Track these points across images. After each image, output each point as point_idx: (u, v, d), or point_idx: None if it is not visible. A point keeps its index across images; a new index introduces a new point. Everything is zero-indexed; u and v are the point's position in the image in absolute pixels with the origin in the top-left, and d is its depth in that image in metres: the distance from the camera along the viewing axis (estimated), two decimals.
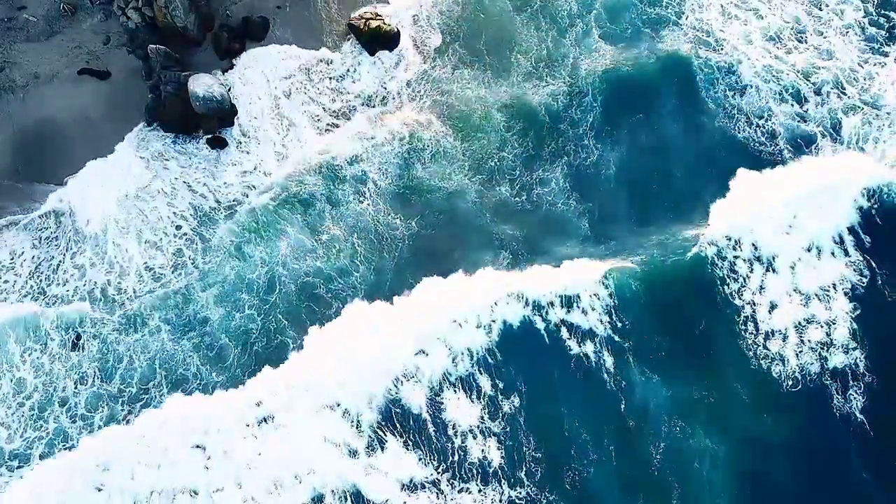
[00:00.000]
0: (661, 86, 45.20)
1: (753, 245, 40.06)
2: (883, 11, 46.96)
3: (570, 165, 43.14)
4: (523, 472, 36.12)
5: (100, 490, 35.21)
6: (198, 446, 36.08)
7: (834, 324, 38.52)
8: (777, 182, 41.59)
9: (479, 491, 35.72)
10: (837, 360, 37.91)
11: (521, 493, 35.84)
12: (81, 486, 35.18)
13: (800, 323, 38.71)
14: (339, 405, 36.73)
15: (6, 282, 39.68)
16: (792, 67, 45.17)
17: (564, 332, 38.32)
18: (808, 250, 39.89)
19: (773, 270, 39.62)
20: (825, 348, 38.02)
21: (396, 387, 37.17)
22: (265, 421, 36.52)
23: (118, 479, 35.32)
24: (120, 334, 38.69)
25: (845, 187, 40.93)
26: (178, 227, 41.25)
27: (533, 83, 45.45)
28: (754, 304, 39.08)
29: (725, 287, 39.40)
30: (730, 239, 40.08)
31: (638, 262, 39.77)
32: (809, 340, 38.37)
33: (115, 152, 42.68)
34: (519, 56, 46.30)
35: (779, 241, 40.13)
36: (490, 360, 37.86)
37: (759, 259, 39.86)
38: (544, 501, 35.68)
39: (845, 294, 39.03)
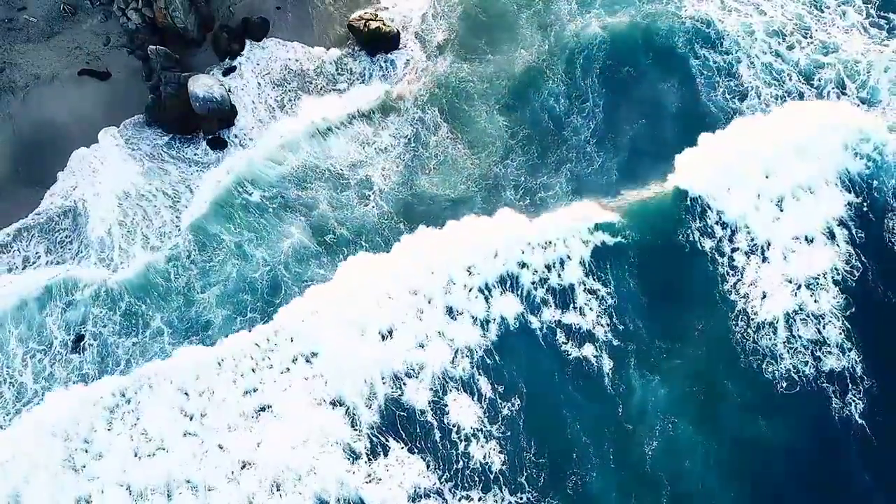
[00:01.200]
0: (661, 84, 45.21)
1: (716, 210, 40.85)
2: (883, 13, 46.86)
3: (572, 171, 42.97)
4: (524, 478, 36.12)
5: (92, 481, 35.44)
6: (193, 434, 36.33)
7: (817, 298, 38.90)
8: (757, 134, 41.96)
9: (480, 499, 35.71)
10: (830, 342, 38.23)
11: (521, 498, 35.87)
12: (73, 477, 35.48)
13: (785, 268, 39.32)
14: (341, 403, 36.86)
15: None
16: (794, 66, 45.01)
17: (561, 335, 38.47)
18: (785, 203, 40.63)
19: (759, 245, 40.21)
20: (817, 345, 38.10)
21: (399, 387, 37.33)
22: (262, 410, 36.75)
23: (111, 470, 35.58)
24: (120, 336, 38.73)
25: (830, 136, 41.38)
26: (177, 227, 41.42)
27: (535, 80, 45.40)
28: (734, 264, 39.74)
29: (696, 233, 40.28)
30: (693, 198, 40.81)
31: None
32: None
33: (99, 142, 42.95)
34: (523, 51, 46.13)
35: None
36: (488, 360, 37.96)
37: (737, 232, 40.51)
38: None
39: (834, 285, 39.21)
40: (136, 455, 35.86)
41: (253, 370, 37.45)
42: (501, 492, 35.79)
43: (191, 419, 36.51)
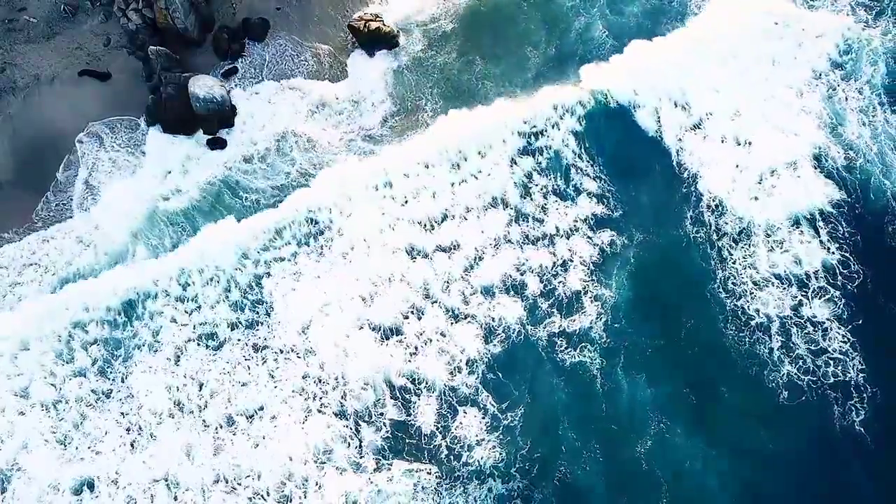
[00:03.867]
0: None
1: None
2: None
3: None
4: (516, 469, 36.06)
5: (93, 461, 35.99)
6: (189, 430, 36.55)
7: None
8: None
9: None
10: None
11: (513, 486, 35.84)
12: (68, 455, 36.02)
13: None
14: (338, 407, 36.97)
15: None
16: None
17: (559, 340, 38.43)
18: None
19: None
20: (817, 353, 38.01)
21: (395, 389, 37.37)
22: (260, 410, 36.97)
23: (107, 459, 35.93)
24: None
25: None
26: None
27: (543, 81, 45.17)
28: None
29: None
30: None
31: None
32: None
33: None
34: (529, 49, 45.83)
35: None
36: (488, 373, 37.87)
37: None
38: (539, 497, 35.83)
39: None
40: (133, 446, 36.22)
41: (246, 358, 37.89)
42: (495, 481, 35.74)
43: (190, 413, 36.90)
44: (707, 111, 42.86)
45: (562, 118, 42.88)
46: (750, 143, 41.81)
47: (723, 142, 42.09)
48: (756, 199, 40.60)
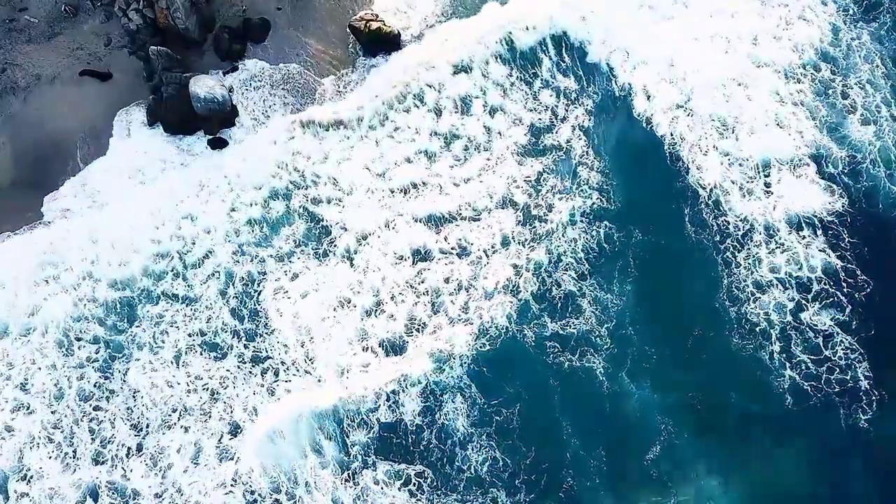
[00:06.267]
0: None
1: None
2: None
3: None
4: (519, 480, 35.90)
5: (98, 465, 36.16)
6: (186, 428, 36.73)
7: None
8: None
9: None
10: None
11: (517, 498, 35.74)
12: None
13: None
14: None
15: None
16: None
17: (559, 343, 38.12)
18: None
19: None
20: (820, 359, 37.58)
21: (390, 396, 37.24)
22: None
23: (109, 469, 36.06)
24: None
25: None
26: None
27: None
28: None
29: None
30: None
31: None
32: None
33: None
34: None
35: None
36: (477, 368, 37.69)
37: None
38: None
39: None
40: (138, 447, 36.38)
41: (243, 366, 37.91)
42: (499, 492, 35.61)
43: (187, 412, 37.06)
44: (691, 88, 42.46)
45: (567, 110, 42.74)
46: (735, 132, 41.33)
47: (712, 120, 41.70)
48: (751, 193, 39.97)
